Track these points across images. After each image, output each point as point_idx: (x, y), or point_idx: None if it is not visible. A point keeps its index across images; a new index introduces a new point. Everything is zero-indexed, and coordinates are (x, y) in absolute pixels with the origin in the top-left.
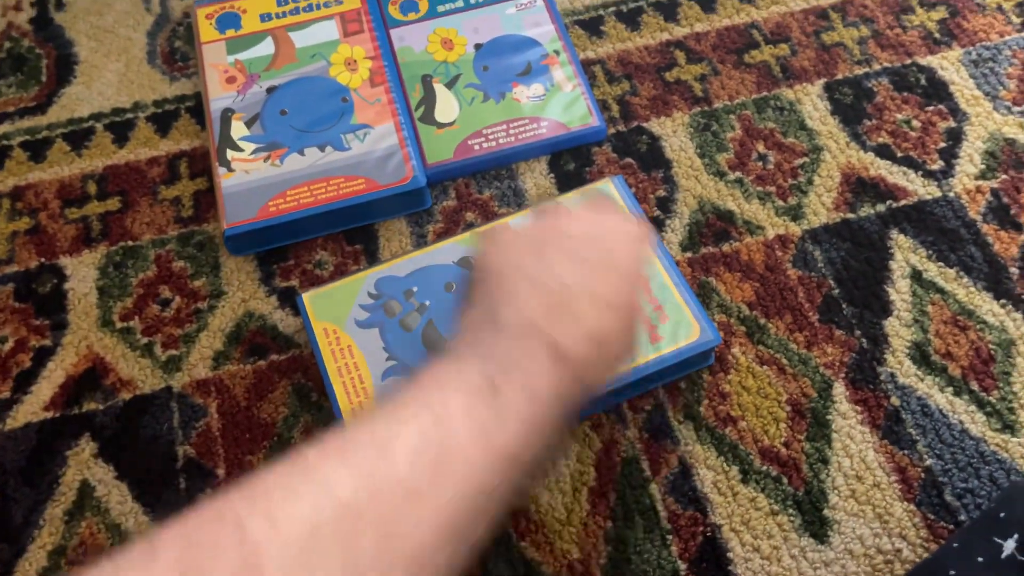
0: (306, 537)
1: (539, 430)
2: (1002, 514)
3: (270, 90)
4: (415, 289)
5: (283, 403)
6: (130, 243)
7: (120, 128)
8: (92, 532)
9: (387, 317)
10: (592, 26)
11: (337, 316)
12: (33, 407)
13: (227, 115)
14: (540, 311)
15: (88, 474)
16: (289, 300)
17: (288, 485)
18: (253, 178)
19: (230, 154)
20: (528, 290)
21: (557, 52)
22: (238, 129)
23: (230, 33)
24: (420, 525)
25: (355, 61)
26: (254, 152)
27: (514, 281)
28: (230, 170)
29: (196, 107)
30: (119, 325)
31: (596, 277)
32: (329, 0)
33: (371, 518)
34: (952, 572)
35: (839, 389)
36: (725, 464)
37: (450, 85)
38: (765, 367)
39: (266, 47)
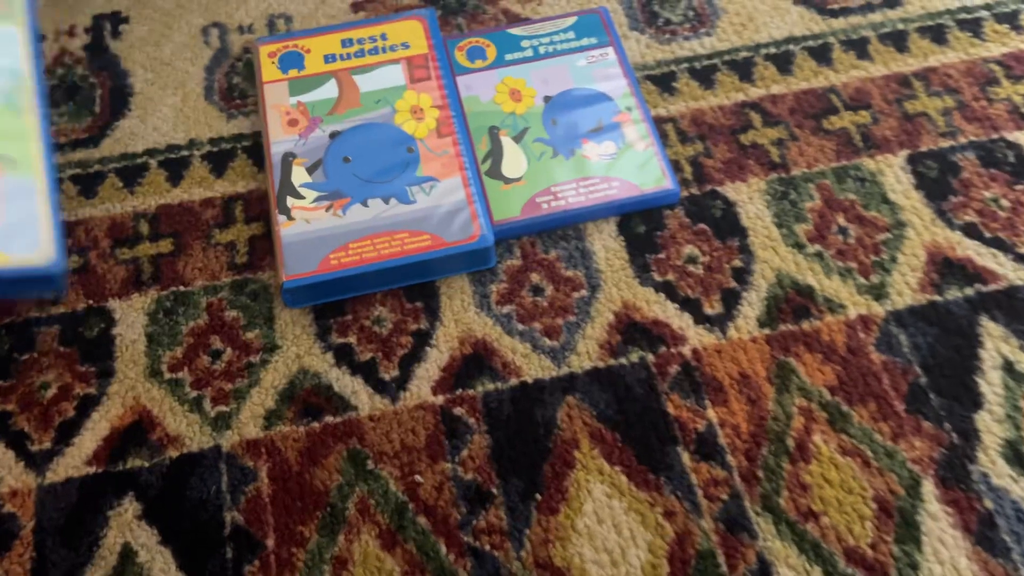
0: None
1: None
2: None
3: (333, 135)
4: None
5: (337, 470)
6: (181, 288)
7: (175, 166)
8: None
9: None
10: (664, 82)
11: None
12: (75, 460)
13: (288, 160)
14: None
15: (131, 537)
16: (346, 358)
17: None
18: (314, 228)
19: (290, 201)
20: None
21: (629, 109)
22: (299, 175)
23: (293, 73)
24: None
25: (421, 109)
26: (316, 200)
27: None
28: (290, 218)
29: (254, 147)
30: (168, 376)
31: None
32: (395, 43)
33: None
34: None
35: (928, 487)
36: (807, 563)
37: (518, 139)
38: (848, 458)
39: (329, 90)
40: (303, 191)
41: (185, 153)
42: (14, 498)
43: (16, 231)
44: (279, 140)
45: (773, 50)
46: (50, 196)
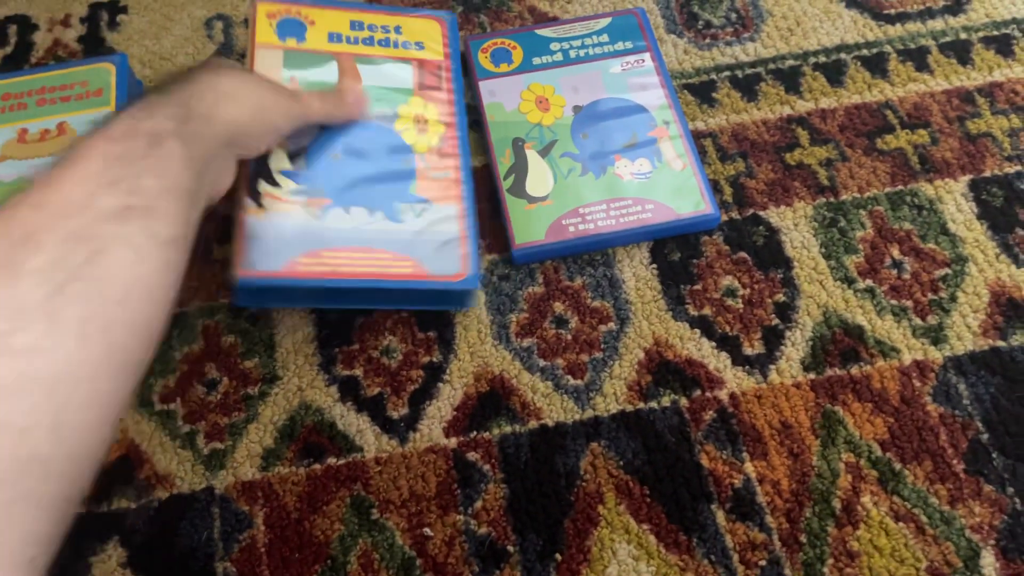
0: None
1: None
2: None
3: (325, 126)
4: None
5: (339, 518)
6: (176, 310)
7: None
8: None
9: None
10: (703, 92)
11: None
12: None
13: None
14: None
15: None
16: (351, 392)
17: None
18: (286, 223)
19: (263, 187)
20: None
21: (667, 123)
22: (279, 159)
23: (291, 43)
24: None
25: (426, 121)
26: (293, 193)
27: None
28: (260, 206)
29: None
30: (159, 407)
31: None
32: (409, 41)
33: None
34: None
35: (988, 558)
36: None
37: (544, 153)
38: (901, 524)
39: (329, 73)
40: (280, 179)
41: None
42: None
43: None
44: None
45: (823, 59)
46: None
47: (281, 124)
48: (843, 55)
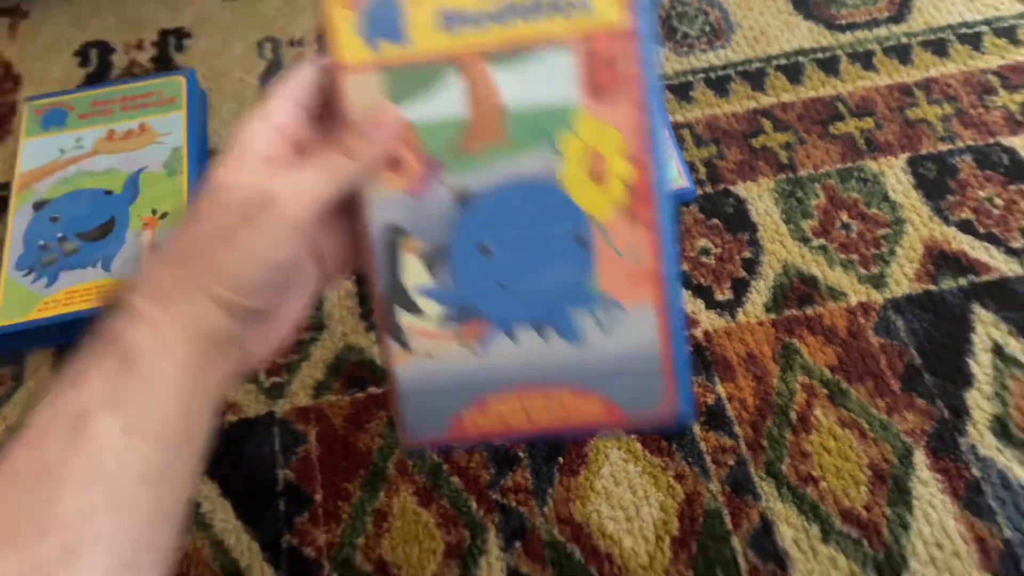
0: None
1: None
2: None
3: (464, 200)
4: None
5: (379, 434)
6: None
7: None
8: (196, 547)
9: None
10: (682, 91)
11: None
12: None
13: (395, 239)
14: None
15: (194, 489)
16: None
17: None
18: (441, 368)
19: (404, 319)
20: None
21: None
22: (414, 271)
23: (388, 52)
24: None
25: (603, 159)
26: (442, 322)
27: None
28: (406, 348)
29: None
30: None
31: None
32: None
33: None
34: None
35: (920, 457)
36: (806, 522)
37: None
38: (846, 430)
39: (451, 98)
40: (421, 302)
41: None
42: None
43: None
44: (378, 196)
45: (784, 61)
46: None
47: (276, 271)
48: (801, 58)
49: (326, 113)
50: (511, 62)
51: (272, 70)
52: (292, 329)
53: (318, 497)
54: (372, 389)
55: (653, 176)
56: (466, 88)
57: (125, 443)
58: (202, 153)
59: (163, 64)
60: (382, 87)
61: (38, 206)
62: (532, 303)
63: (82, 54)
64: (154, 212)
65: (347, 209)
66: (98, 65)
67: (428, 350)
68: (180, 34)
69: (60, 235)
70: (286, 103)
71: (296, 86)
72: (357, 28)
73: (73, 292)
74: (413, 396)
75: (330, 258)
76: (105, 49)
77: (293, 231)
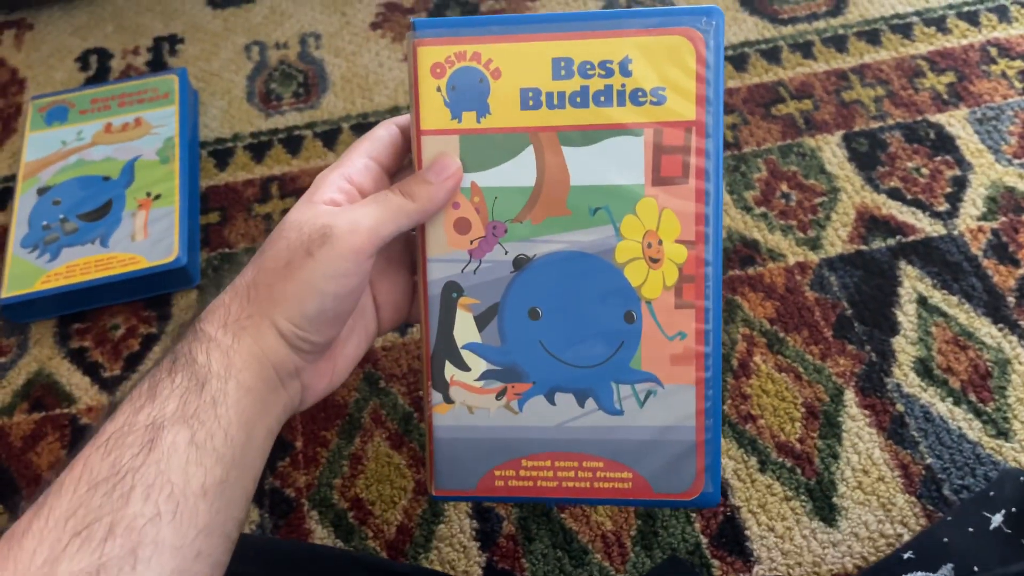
0: None
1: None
2: (992, 493)
3: (520, 263)
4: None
5: (355, 388)
6: (227, 250)
7: (222, 155)
8: None
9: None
10: None
11: None
12: None
13: (451, 296)
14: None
15: None
16: None
17: None
18: (478, 423)
19: (449, 371)
20: None
21: None
22: (465, 327)
23: (469, 121)
24: (25, 560)
25: (660, 243)
26: (483, 378)
27: None
28: (448, 401)
29: (287, 139)
30: None
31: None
32: (644, 84)
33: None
34: (945, 539)
35: (850, 396)
36: (745, 455)
37: None
38: (783, 374)
39: (522, 168)
40: (468, 357)
41: (230, 145)
42: (89, 413)
43: (156, 244)
44: (441, 254)
45: (730, 52)
46: (181, 217)
47: (337, 302)
48: (746, 49)
49: (401, 171)
50: (583, 142)
51: (259, 69)
52: (349, 369)
53: (299, 444)
54: None
55: (705, 262)
56: (537, 161)
57: (191, 456)
58: (194, 143)
59: (157, 67)
60: (458, 150)
61: (42, 191)
62: (575, 371)
63: (83, 60)
64: (148, 194)
65: (407, 262)
66: (97, 69)
67: (468, 404)
68: (173, 40)
69: (62, 216)
70: (362, 158)
71: (374, 144)
72: (444, 98)
73: (73, 266)
74: (448, 448)
75: (388, 306)
76: (104, 55)
77: (350, 262)
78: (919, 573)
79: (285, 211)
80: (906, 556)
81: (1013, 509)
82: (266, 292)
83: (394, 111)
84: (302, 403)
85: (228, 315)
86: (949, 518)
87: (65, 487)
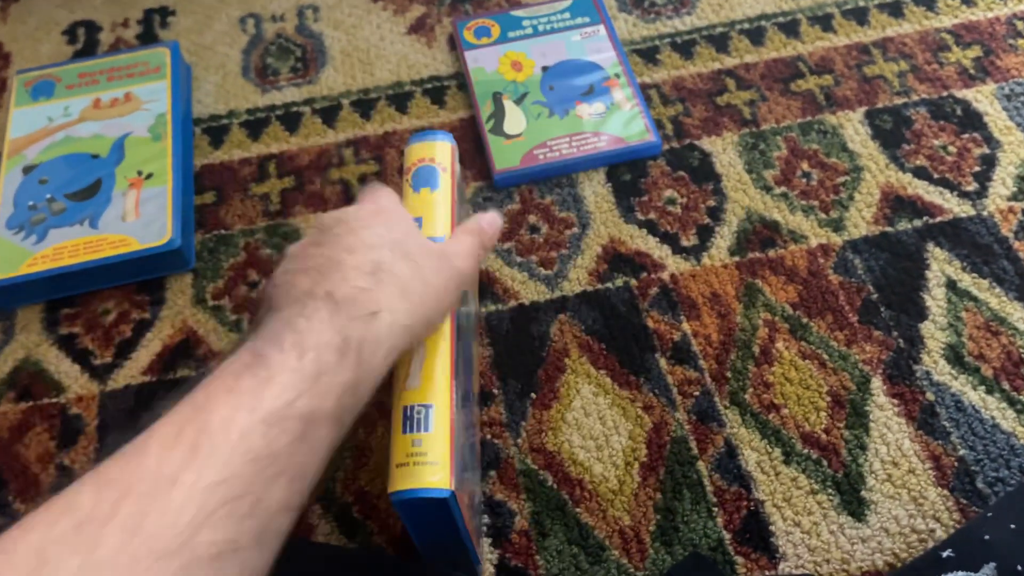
0: (38, 546)
1: (322, 376)
2: None
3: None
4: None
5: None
6: (223, 232)
7: (216, 132)
8: None
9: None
10: (649, 55)
11: None
12: (132, 371)
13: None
14: (308, 282)
15: None
16: None
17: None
18: None
19: None
20: (297, 276)
21: (618, 75)
22: None
23: None
24: (172, 512)
25: None
26: None
27: (288, 282)
28: None
29: (285, 116)
30: (211, 303)
31: (351, 242)
32: None
33: (114, 523)
34: (987, 537)
35: (877, 384)
36: (768, 446)
37: (518, 102)
38: (807, 361)
39: None
40: None
41: (225, 122)
42: (80, 402)
43: (148, 225)
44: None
45: (747, 26)
46: (174, 196)
47: (440, 318)
48: (764, 23)
49: None
50: None
51: (254, 43)
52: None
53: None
54: None
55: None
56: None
57: (327, 455)
58: (187, 119)
59: (148, 41)
60: None
61: (27, 170)
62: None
63: (70, 32)
64: (139, 173)
65: None
66: (85, 42)
67: None
68: (164, 12)
69: (49, 196)
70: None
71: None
72: None
73: (61, 248)
74: None
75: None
76: (92, 28)
77: (455, 298)
78: (960, 573)
79: (283, 191)
80: (944, 555)
81: None
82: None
83: (396, 87)
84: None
85: (395, 319)
86: (989, 514)
87: (220, 447)
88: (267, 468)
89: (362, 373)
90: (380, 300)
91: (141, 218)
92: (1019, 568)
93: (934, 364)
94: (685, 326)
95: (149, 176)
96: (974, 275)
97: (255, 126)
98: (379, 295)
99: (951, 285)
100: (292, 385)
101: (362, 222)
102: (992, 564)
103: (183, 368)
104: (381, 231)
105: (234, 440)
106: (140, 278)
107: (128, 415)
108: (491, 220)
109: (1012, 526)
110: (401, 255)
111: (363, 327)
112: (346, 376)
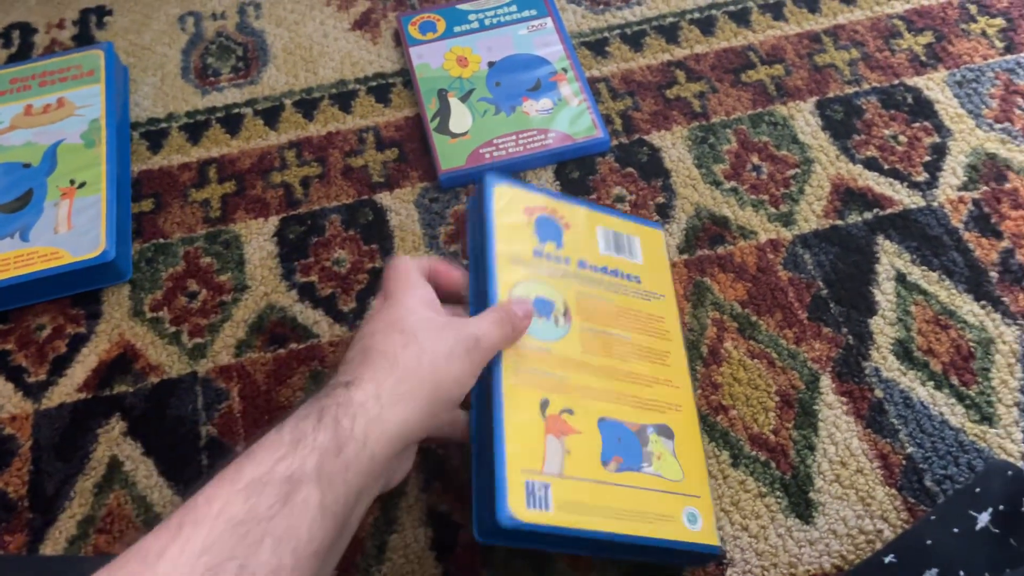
0: None
1: (300, 442)
2: (978, 490)
3: None
4: None
5: (301, 388)
6: (161, 240)
7: (155, 137)
8: (119, 503)
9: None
10: (598, 47)
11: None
12: (67, 389)
13: None
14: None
15: (117, 450)
16: (309, 294)
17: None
18: None
19: None
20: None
21: (565, 70)
22: None
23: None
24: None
25: None
26: None
27: None
28: None
29: (225, 118)
30: (149, 315)
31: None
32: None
33: None
34: (929, 542)
35: (826, 382)
36: (716, 449)
37: (464, 99)
38: (756, 360)
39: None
40: None
41: (164, 125)
42: (13, 422)
43: (81, 236)
44: None
45: (697, 15)
46: (108, 206)
47: (461, 394)
48: (714, 11)
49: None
50: None
51: (194, 42)
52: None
53: (239, 448)
54: (293, 346)
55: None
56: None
57: (317, 517)
58: (123, 124)
59: (84, 41)
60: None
61: None
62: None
63: (3, 36)
64: (72, 182)
65: None
66: (20, 46)
67: None
68: (101, 11)
69: None
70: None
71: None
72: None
73: None
74: None
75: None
76: (27, 30)
77: (474, 377)
78: None
79: (224, 196)
80: (887, 560)
81: (1000, 507)
82: (426, 374)
83: (339, 85)
84: (387, 484)
85: (381, 387)
86: (933, 517)
87: (203, 520)
88: (250, 533)
89: (342, 437)
90: (358, 371)
91: (74, 229)
92: (961, 573)
93: (883, 360)
94: None
95: (82, 185)
96: (924, 268)
97: (195, 129)
98: (359, 367)
99: (901, 279)
100: (271, 453)
101: (368, 321)
102: (934, 570)
103: (120, 384)
104: (379, 318)
105: (215, 510)
106: (75, 291)
107: (63, 436)
108: (519, 302)
109: (955, 530)
110: (396, 331)
111: (339, 396)
112: (323, 438)
